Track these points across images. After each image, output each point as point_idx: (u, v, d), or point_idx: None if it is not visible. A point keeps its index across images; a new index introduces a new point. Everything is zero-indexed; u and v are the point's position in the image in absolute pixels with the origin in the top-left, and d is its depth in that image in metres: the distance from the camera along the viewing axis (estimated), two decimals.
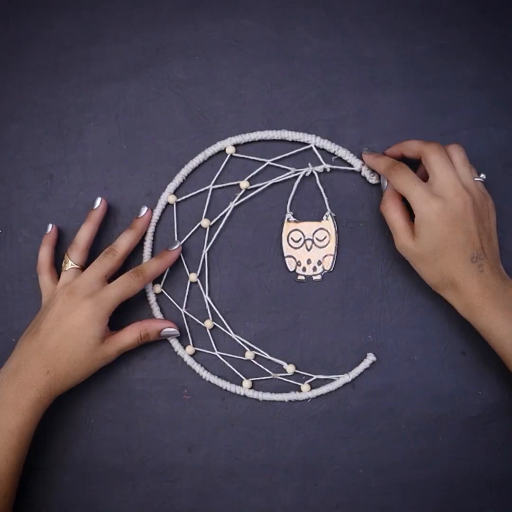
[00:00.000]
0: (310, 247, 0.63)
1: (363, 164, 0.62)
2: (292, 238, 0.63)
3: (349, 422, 0.62)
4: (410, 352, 0.62)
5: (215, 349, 0.63)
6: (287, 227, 0.63)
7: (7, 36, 0.66)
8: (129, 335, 0.59)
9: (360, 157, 0.62)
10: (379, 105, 0.64)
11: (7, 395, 0.55)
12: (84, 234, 0.60)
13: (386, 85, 0.64)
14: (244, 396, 0.62)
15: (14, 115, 0.66)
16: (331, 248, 0.63)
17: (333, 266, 0.63)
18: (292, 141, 0.63)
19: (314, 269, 0.63)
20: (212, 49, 0.65)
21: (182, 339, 0.63)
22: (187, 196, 0.64)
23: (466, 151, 0.58)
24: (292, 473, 0.61)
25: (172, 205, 0.64)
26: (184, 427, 0.62)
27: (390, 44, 0.64)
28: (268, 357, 0.62)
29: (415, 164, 0.59)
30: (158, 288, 0.63)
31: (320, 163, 0.63)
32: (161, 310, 0.63)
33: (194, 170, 0.64)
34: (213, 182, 0.63)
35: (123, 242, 0.60)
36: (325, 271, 0.63)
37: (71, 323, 0.56)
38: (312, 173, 0.63)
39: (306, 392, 0.61)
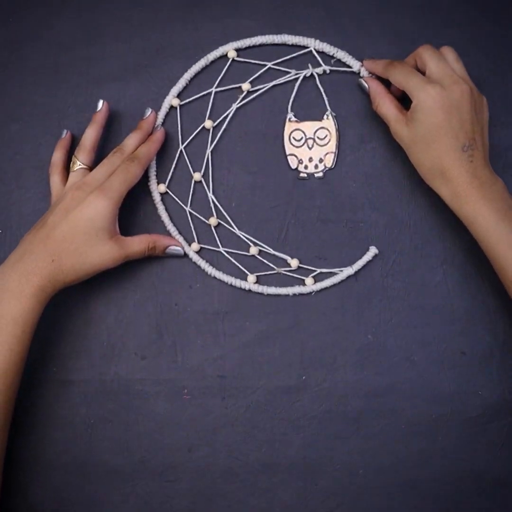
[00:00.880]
0: (312, 145, 0.64)
1: (361, 65, 0.63)
2: (293, 137, 0.64)
3: (349, 422, 0.62)
4: (410, 352, 0.62)
5: (220, 245, 0.63)
6: (288, 127, 0.64)
7: (7, 36, 0.66)
8: (137, 243, 0.60)
9: (359, 59, 0.64)
10: None
11: (10, 283, 0.55)
12: (90, 135, 0.61)
13: (386, 85, 0.64)
14: (249, 290, 0.62)
15: (14, 115, 0.66)
16: (332, 146, 0.64)
17: (334, 163, 0.64)
18: (292, 45, 0.64)
19: (316, 166, 0.64)
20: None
21: (187, 237, 0.64)
22: (190, 99, 0.65)
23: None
24: (292, 473, 0.61)
25: (176, 108, 0.64)
26: (184, 427, 0.62)
27: (390, 44, 0.64)
28: (272, 252, 0.63)
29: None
30: (162, 187, 0.64)
31: (320, 66, 0.64)
32: (166, 210, 0.64)
33: (197, 75, 0.65)
34: (215, 85, 0.64)
35: (130, 142, 0.61)
36: (327, 168, 0.64)
37: (79, 215, 0.57)
38: (312, 75, 0.64)
39: (310, 285, 0.62)
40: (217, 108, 0.65)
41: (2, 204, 0.65)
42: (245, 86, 0.64)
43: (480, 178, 0.56)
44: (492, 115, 0.63)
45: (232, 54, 0.64)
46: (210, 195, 0.64)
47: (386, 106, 0.60)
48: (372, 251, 0.62)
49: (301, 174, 0.64)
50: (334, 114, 0.64)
